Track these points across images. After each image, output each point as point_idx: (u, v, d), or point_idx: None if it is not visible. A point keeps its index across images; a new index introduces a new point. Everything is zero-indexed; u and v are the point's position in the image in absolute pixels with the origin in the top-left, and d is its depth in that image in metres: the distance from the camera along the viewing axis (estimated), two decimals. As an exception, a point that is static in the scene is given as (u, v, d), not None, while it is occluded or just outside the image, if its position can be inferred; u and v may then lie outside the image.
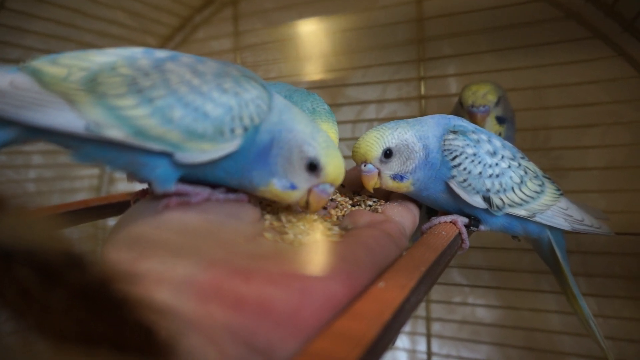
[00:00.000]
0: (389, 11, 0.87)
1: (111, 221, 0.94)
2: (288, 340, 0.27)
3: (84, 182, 1.12)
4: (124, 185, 1.12)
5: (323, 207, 0.48)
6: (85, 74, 0.31)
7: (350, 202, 0.52)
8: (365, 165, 0.49)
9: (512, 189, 0.51)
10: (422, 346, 0.93)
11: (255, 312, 0.27)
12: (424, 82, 0.86)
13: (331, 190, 0.41)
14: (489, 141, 0.52)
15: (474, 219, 0.54)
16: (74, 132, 0.30)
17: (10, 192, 0.19)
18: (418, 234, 0.53)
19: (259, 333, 0.27)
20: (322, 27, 0.93)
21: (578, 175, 0.77)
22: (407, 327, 0.95)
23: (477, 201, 0.51)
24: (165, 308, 0.26)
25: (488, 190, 0.51)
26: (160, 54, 0.35)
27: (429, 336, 0.92)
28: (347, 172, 0.57)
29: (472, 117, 0.67)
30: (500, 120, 0.67)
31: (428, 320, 0.92)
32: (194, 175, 0.37)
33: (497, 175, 0.51)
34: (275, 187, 0.38)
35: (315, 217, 0.45)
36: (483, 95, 0.66)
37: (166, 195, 0.35)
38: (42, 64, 0.31)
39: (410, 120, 0.52)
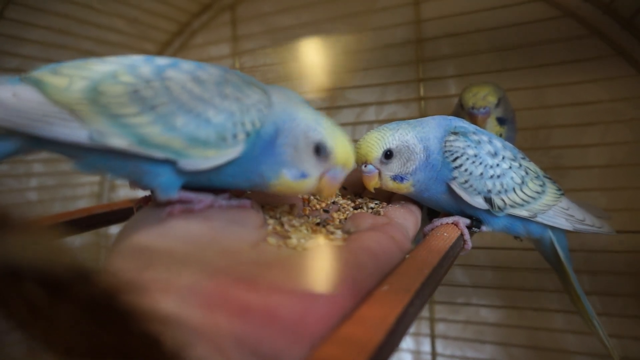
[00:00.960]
0: (387, 13, 0.87)
1: (113, 229, 0.94)
2: (294, 347, 0.27)
3: (85, 189, 1.12)
4: (125, 192, 1.12)
5: (333, 195, 0.47)
6: (87, 84, 0.31)
7: (353, 204, 0.52)
8: (365, 166, 0.50)
9: (514, 189, 0.52)
10: (426, 347, 0.93)
11: (261, 320, 0.28)
12: (423, 83, 0.86)
13: (342, 175, 0.41)
14: (490, 142, 0.52)
15: (475, 219, 0.54)
16: (77, 142, 0.30)
17: (15, 208, 0.19)
18: (420, 235, 0.53)
19: (265, 341, 0.27)
20: (320, 30, 0.93)
21: (579, 174, 0.77)
22: (412, 328, 0.95)
23: (479, 202, 0.51)
24: (171, 317, 0.26)
25: (489, 191, 0.51)
26: (161, 61, 0.35)
27: (433, 337, 0.92)
28: (348, 174, 0.58)
29: (472, 118, 0.67)
30: (500, 121, 0.68)
31: (432, 321, 0.92)
32: (198, 182, 0.37)
33: (499, 176, 0.51)
34: (287, 177, 0.38)
35: (318, 220, 0.45)
36: (483, 97, 0.66)
37: (169, 203, 0.35)
38: (44, 74, 0.31)
39: (412, 121, 0.53)
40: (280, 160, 0.37)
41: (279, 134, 0.37)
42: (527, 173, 0.54)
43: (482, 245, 0.86)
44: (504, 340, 0.87)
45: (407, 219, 0.49)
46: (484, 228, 0.54)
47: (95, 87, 0.31)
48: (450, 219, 0.53)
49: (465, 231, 0.52)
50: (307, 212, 0.48)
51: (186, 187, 0.37)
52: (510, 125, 0.69)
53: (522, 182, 0.52)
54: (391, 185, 0.50)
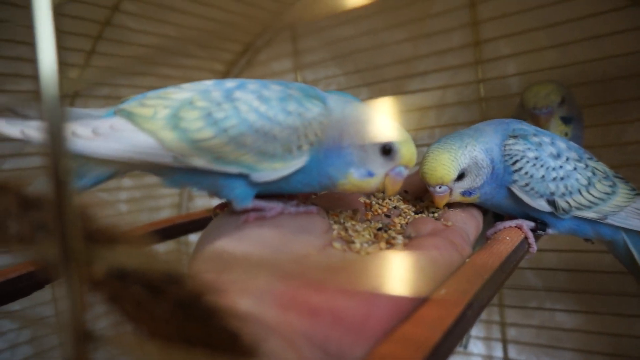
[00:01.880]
0: (443, 18, 0.87)
1: (192, 237, 1.02)
2: (357, 345, 0.30)
3: (167, 200, 1.22)
4: (202, 202, 1.21)
5: (396, 192, 0.49)
6: (169, 112, 0.36)
7: (414, 209, 0.53)
8: (440, 187, 0.49)
9: (579, 191, 0.50)
10: (498, 352, 0.91)
11: (328, 319, 0.30)
12: (483, 84, 0.85)
13: (406, 172, 0.43)
14: (552, 143, 0.52)
15: (540, 222, 0.53)
16: (163, 163, 0.35)
17: (119, 222, 0.23)
18: (483, 239, 0.54)
19: (331, 339, 0.30)
20: (377, 39, 0.95)
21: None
22: (481, 332, 0.93)
23: (542, 205, 0.50)
24: (248, 315, 0.30)
25: (552, 193, 0.50)
26: (229, 84, 0.39)
27: (504, 341, 0.89)
28: (409, 178, 0.59)
29: (535, 119, 0.65)
30: (565, 120, 0.65)
31: (503, 325, 0.90)
32: (270, 190, 0.41)
33: (562, 178, 0.50)
34: (354, 176, 0.40)
35: (380, 225, 0.47)
36: (545, 95, 0.64)
37: (244, 211, 0.40)
38: (133, 106, 0.37)
39: (470, 131, 0.52)
40: (348, 160, 0.40)
41: (344, 136, 0.40)
42: (594, 174, 0.52)
43: (553, 248, 0.83)
44: (583, 347, 0.83)
45: (467, 223, 0.50)
46: (549, 231, 0.53)
47: (176, 114, 0.36)
48: (513, 222, 0.52)
49: (530, 234, 0.51)
50: (370, 216, 0.50)
51: (259, 194, 0.41)
52: (577, 124, 0.67)
53: (589, 183, 0.51)
54: (459, 199, 0.51)
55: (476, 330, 0.92)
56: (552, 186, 0.50)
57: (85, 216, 0.22)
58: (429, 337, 0.29)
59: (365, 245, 0.41)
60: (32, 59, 0.20)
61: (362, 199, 0.53)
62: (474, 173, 0.49)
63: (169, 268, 0.23)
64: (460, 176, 0.49)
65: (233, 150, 0.36)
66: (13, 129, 0.32)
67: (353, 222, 0.46)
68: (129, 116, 0.36)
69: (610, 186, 0.52)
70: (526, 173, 0.49)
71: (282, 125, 0.37)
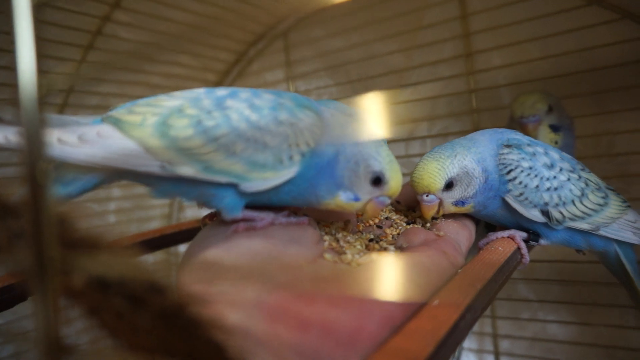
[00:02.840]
0: (435, 29, 0.88)
1: (182, 247, 1.00)
2: (348, 358, 0.29)
3: (157, 210, 1.21)
4: (192, 212, 1.20)
5: (377, 218, 0.50)
6: (157, 119, 0.36)
7: (405, 219, 0.53)
8: (427, 196, 0.49)
9: (572, 201, 0.50)
10: (491, 365, 0.90)
11: (319, 333, 0.30)
12: (475, 95, 0.85)
13: (388, 201, 0.43)
14: (546, 154, 0.51)
15: (533, 233, 0.53)
16: (151, 171, 0.34)
17: (103, 231, 0.22)
18: (475, 249, 0.53)
19: (322, 352, 0.29)
20: (370, 50, 0.95)
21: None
22: (473, 344, 0.92)
23: (535, 215, 0.50)
24: (237, 328, 0.29)
25: (546, 203, 0.50)
26: (221, 92, 0.39)
27: (497, 354, 0.89)
28: (402, 188, 0.58)
29: (523, 128, 0.66)
30: (554, 128, 0.66)
31: (495, 337, 0.89)
32: (259, 201, 0.40)
33: (556, 188, 0.50)
34: (341, 198, 0.41)
35: (371, 236, 0.46)
36: (531, 104, 0.65)
37: (234, 221, 0.39)
38: (121, 113, 0.36)
39: (464, 141, 0.52)
40: (339, 182, 0.40)
41: (340, 157, 0.40)
42: (587, 185, 0.52)
43: (545, 259, 0.82)
44: (575, 358, 0.82)
45: (460, 233, 0.49)
46: (542, 241, 0.53)
47: (165, 121, 0.35)
48: (506, 233, 0.52)
49: (522, 245, 0.51)
50: (361, 227, 0.50)
51: (249, 206, 0.40)
52: (566, 133, 0.67)
53: (582, 194, 0.51)
54: (453, 209, 0.50)
55: (468, 342, 0.91)
56: (546, 196, 0.49)
57: (66, 224, 0.21)
58: (421, 350, 0.28)
59: (357, 256, 0.40)
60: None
61: None
62: (465, 182, 0.49)
63: (152, 278, 0.22)
64: (449, 185, 0.49)
65: (223, 159, 0.35)
66: None
67: (344, 233, 0.46)
68: (117, 123, 0.35)
69: (602, 197, 0.52)
70: (520, 183, 0.49)
71: (274, 134, 0.37)
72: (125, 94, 0.93)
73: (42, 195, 0.18)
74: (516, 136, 0.53)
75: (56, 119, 0.35)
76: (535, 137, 0.60)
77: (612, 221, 0.52)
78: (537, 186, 0.49)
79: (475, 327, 0.91)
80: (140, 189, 1.18)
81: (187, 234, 0.73)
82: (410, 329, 0.30)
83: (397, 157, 0.90)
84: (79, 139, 0.33)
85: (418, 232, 0.47)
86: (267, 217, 0.40)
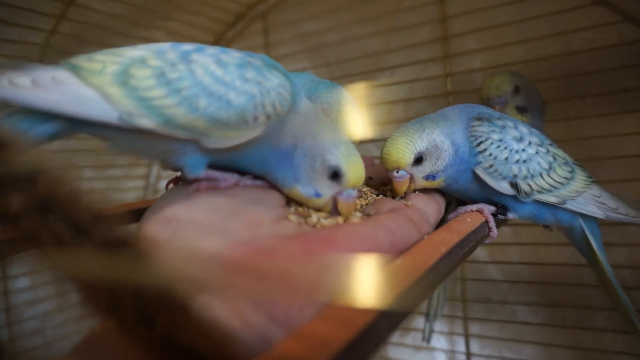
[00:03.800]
0: (412, 13, 0.88)
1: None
2: (305, 311, 0.29)
3: (131, 194, 1.18)
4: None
5: (352, 213, 0.49)
6: (118, 67, 0.34)
7: (376, 192, 0.53)
8: (397, 172, 0.49)
9: (540, 174, 0.51)
10: (461, 347, 0.91)
11: (277, 285, 0.29)
12: (450, 78, 0.86)
13: (355, 193, 0.42)
14: (515, 127, 0.52)
15: (501, 207, 0.53)
16: (108, 122, 0.33)
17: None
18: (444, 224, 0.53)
19: (279, 305, 0.29)
20: (348, 33, 0.95)
21: (615, 164, 0.74)
22: (445, 327, 0.93)
23: (504, 187, 0.51)
24: (192, 280, 0.28)
25: (515, 175, 0.50)
26: (187, 47, 0.37)
27: (467, 336, 0.90)
28: (374, 165, 0.58)
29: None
30: (520, 109, 0.66)
31: (465, 320, 0.90)
32: (221, 162, 0.39)
33: (524, 161, 0.50)
34: (300, 192, 0.40)
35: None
36: (496, 86, 0.65)
37: (197, 181, 0.38)
38: (80, 60, 0.35)
39: (433, 116, 0.52)
40: (296, 176, 0.39)
41: (297, 150, 0.39)
42: (554, 159, 0.53)
43: (516, 242, 0.84)
44: (544, 341, 0.83)
45: (428, 205, 0.49)
46: (510, 215, 0.54)
47: (125, 70, 0.34)
48: (475, 206, 0.52)
49: (490, 218, 0.51)
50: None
51: (213, 167, 0.39)
52: (535, 114, 0.68)
53: (550, 168, 0.51)
54: (424, 184, 0.50)
55: (439, 325, 0.92)
56: (515, 168, 0.50)
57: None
58: (381, 300, 0.28)
59: (322, 220, 0.40)
60: None
61: None
62: (434, 156, 0.49)
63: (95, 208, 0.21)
64: (419, 160, 0.49)
65: (185, 113, 0.34)
66: None
67: None
68: (74, 69, 0.34)
69: (569, 172, 0.53)
70: (490, 154, 0.50)
71: (238, 91, 0.36)
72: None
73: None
74: (487, 110, 0.54)
75: (12, 64, 0.34)
76: None
77: (577, 195, 0.52)
78: (506, 158, 0.50)
79: (446, 310, 0.92)
80: (114, 171, 1.15)
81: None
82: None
83: (374, 141, 0.91)
84: (32, 83, 0.31)
85: (386, 201, 0.47)
86: (231, 178, 0.39)
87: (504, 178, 0.50)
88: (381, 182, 0.57)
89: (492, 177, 0.50)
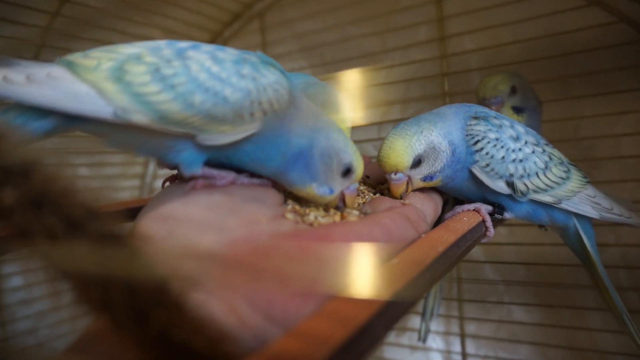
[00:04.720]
0: (409, 13, 0.88)
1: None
2: (302, 309, 0.29)
3: (126, 192, 1.18)
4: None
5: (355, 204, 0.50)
6: (113, 64, 0.34)
7: (373, 190, 0.53)
8: (395, 174, 0.48)
9: (537, 174, 0.51)
10: (457, 347, 0.91)
11: (274, 283, 0.29)
12: (447, 78, 0.86)
13: (356, 187, 0.44)
14: (512, 127, 0.52)
15: (498, 206, 0.53)
16: (103, 118, 0.33)
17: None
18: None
19: (275, 303, 0.28)
20: (345, 33, 0.95)
21: (612, 165, 0.74)
22: (440, 327, 0.93)
23: (500, 186, 0.51)
24: (188, 277, 0.28)
25: (511, 175, 0.50)
26: (183, 44, 0.37)
27: (463, 336, 0.90)
28: (371, 164, 0.58)
29: None
30: (517, 110, 0.67)
31: (461, 320, 0.90)
32: (218, 160, 0.39)
33: (521, 160, 0.50)
34: (315, 191, 0.40)
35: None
36: (493, 86, 0.66)
37: (193, 178, 0.38)
38: (76, 57, 0.34)
39: (430, 116, 0.52)
40: (314, 176, 0.40)
41: (314, 150, 0.40)
42: (550, 158, 0.53)
43: (512, 242, 0.84)
44: (539, 341, 0.84)
45: (425, 204, 0.49)
46: (506, 214, 0.54)
47: (121, 67, 0.34)
48: (472, 206, 0.52)
49: (487, 217, 0.51)
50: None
51: (210, 165, 0.39)
52: (532, 115, 0.68)
53: (546, 167, 0.52)
54: (422, 184, 0.50)
55: (435, 325, 0.92)
56: (511, 168, 0.50)
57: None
58: (371, 304, 0.28)
59: (320, 218, 0.39)
60: None
61: None
62: (432, 158, 0.49)
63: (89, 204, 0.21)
64: (417, 163, 0.49)
65: (180, 109, 0.34)
66: None
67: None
68: (70, 66, 0.34)
69: (565, 172, 0.53)
70: (487, 153, 0.50)
71: (234, 87, 0.36)
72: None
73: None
74: (484, 110, 0.54)
75: (6, 60, 0.34)
76: None
77: (573, 195, 0.53)
78: (503, 157, 0.50)
79: (442, 310, 0.92)
80: (110, 169, 1.15)
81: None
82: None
83: (370, 140, 0.91)
84: (27, 79, 0.31)
85: (384, 200, 0.47)
86: (228, 175, 0.39)
87: (501, 177, 0.50)
88: (378, 180, 0.57)
89: (488, 176, 0.50)
